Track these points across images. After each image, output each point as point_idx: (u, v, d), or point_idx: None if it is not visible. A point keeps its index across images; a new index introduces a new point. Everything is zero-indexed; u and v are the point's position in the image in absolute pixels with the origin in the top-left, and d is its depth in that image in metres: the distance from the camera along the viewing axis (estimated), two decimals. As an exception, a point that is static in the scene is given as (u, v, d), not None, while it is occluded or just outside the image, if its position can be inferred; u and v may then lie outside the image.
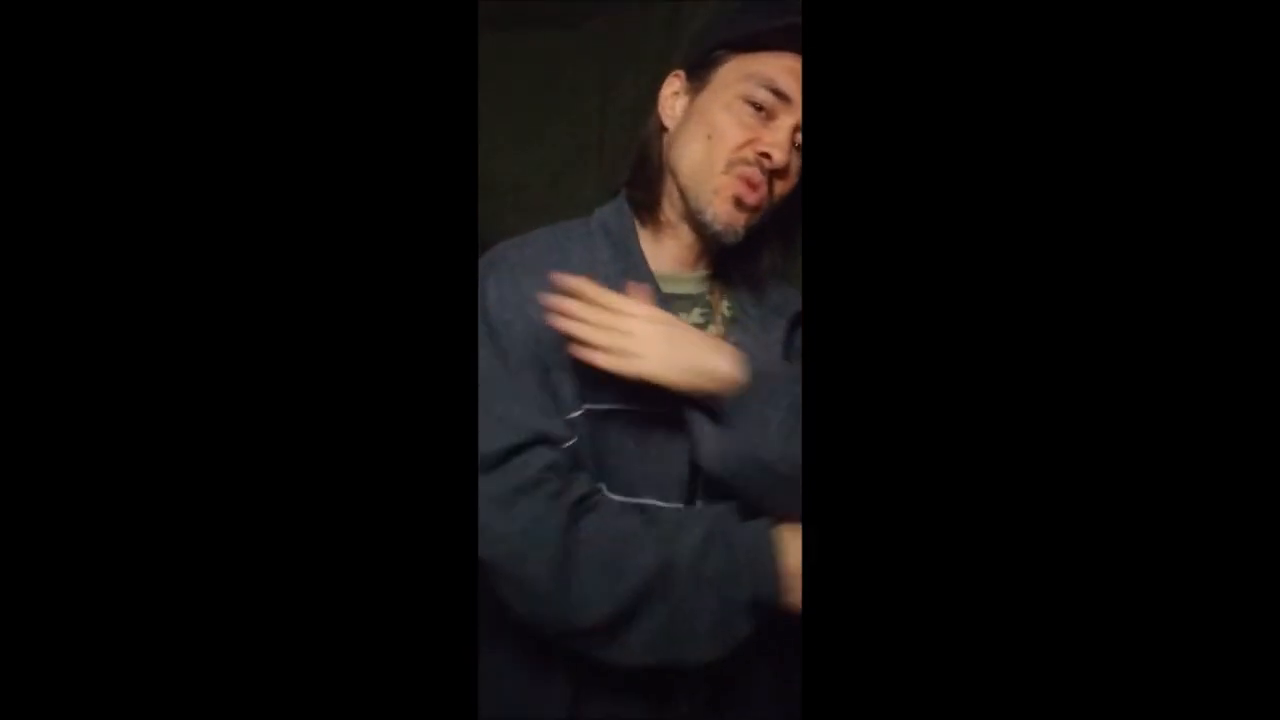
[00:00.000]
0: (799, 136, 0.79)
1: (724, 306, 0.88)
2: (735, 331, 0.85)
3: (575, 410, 0.77)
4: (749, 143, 0.78)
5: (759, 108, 0.78)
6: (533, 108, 1.14)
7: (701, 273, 0.88)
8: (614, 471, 0.77)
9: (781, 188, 0.81)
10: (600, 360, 0.71)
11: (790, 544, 0.72)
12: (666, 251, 0.86)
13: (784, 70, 0.78)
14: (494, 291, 0.78)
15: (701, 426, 0.74)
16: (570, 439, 0.76)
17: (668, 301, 0.83)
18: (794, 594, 0.70)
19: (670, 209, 0.85)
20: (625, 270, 0.82)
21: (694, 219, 0.82)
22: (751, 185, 0.79)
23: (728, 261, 0.88)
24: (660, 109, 0.86)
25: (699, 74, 0.83)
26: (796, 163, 0.81)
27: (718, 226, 0.80)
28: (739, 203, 0.80)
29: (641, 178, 0.86)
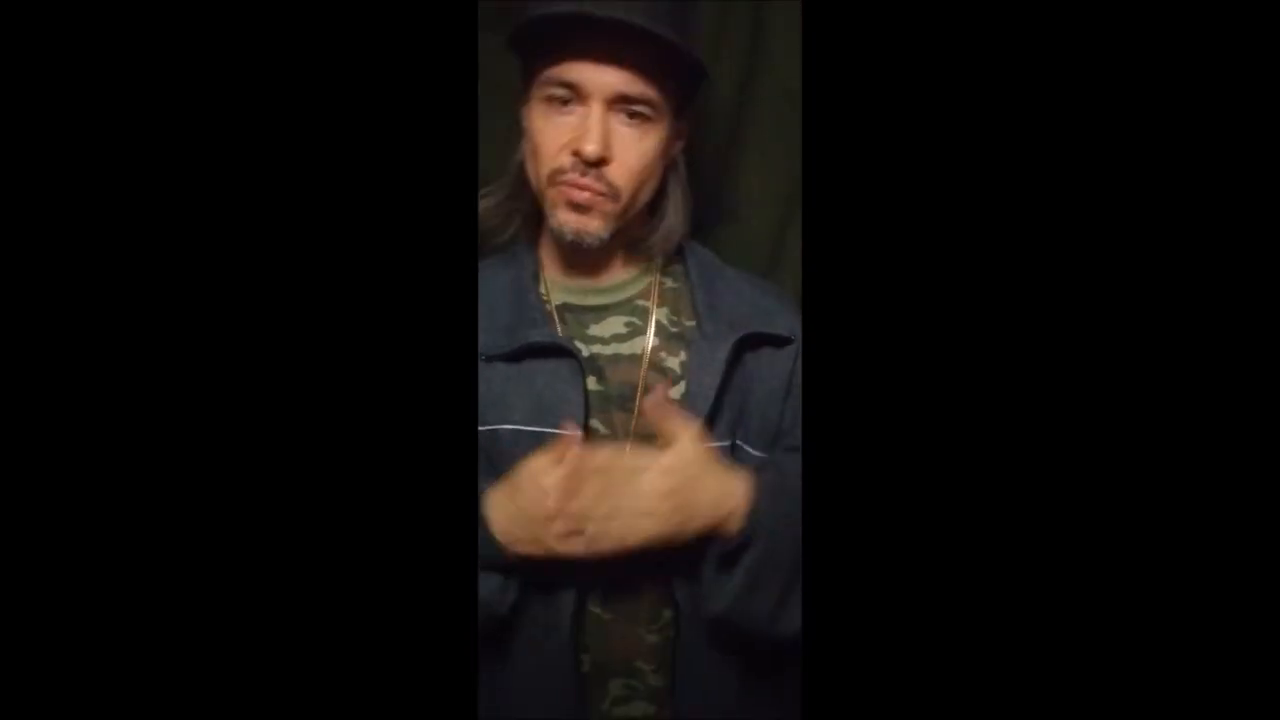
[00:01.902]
0: (610, 117, 0.75)
1: (662, 314, 0.84)
2: (677, 348, 0.82)
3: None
4: (565, 146, 0.76)
5: (564, 103, 0.76)
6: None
7: (621, 278, 0.84)
8: None
9: (618, 168, 0.76)
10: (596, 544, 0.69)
11: (495, 502, 0.71)
12: (570, 267, 0.84)
13: (565, 65, 0.75)
14: None
15: (709, 572, 0.73)
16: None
17: (578, 313, 0.82)
18: (514, 542, 0.70)
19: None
20: (519, 290, 0.81)
21: (553, 232, 0.80)
22: (577, 186, 0.76)
23: (644, 250, 0.85)
24: (517, 116, 0.83)
25: (527, 82, 0.80)
26: (626, 132, 0.76)
27: (570, 236, 0.78)
28: (576, 208, 0.77)
29: (514, 184, 0.84)
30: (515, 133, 0.83)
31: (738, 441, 0.81)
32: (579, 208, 0.77)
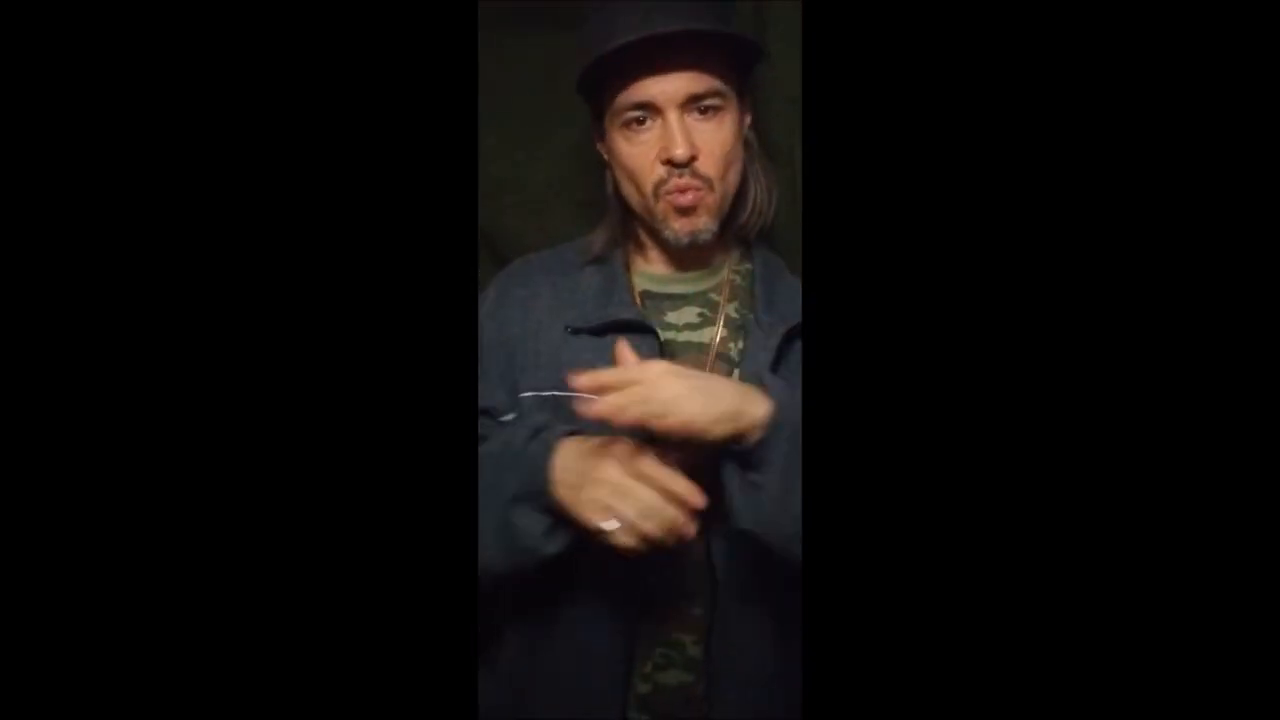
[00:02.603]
0: (686, 118, 0.81)
1: (731, 309, 0.90)
2: (739, 337, 0.88)
3: (520, 393, 0.85)
4: (655, 159, 0.82)
5: (640, 122, 0.82)
6: (533, 108, 1.14)
7: (697, 271, 0.91)
8: None
9: (706, 161, 0.83)
10: (643, 423, 0.71)
11: (567, 448, 0.75)
12: (655, 259, 0.92)
13: (632, 87, 0.81)
14: (491, 293, 0.91)
15: (733, 487, 0.75)
16: (510, 414, 0.85)
17: (657, 301, 0.89)
18: (563, 488, 0.73)
19: (644, 233, 0.91)
20: (610, 278, 0.89)
21: (664, 243, 0.87)
22: (681, 191, 0.82)
23: (742, 232, 0.91)
24: (599, 150, 0.91)
25: (597, 117, 0.88)
26: (704, 127, 0.82)
27: (685, 240, 0.84)
28: (684, 211, 0.83)
29: (614, 213, 0.92)
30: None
31: None
32: (685, 211, 0.83)
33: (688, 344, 0.88)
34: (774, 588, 0.81)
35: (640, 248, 0.93)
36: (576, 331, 0.85)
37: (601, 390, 0.72)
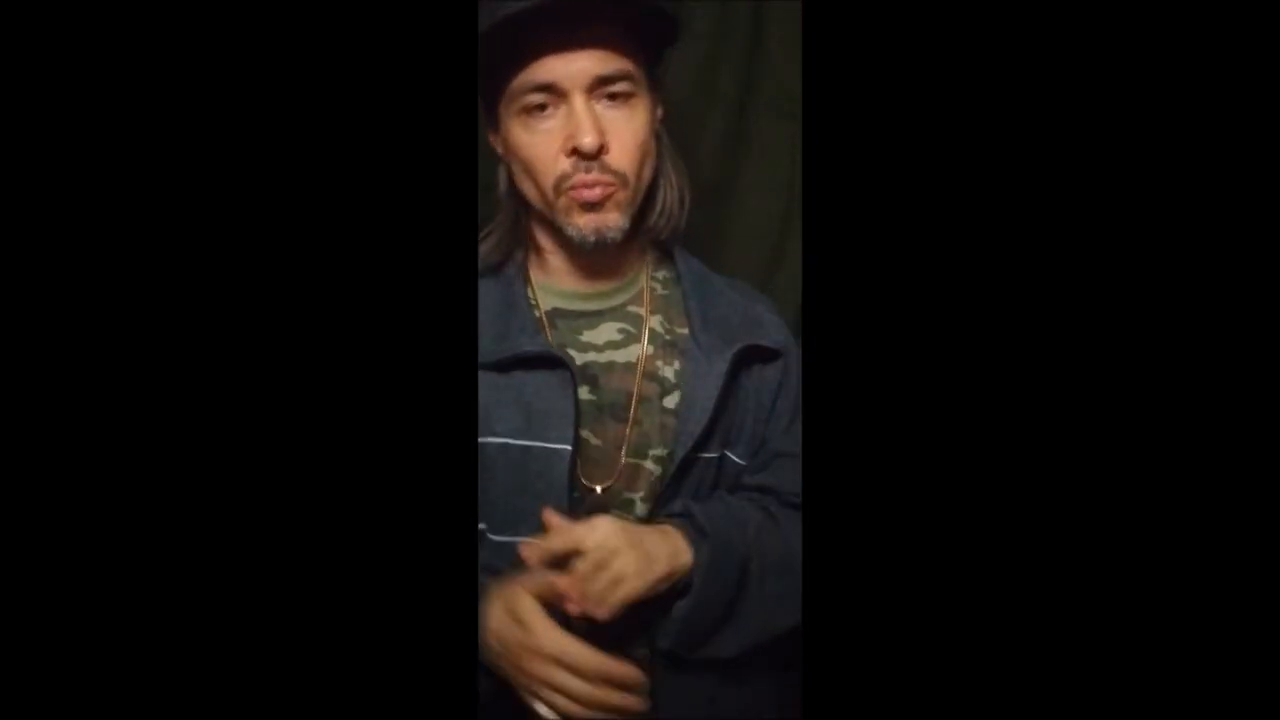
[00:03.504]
0: (594, 105, 0.73)
1: (656, 322, 0.82)
2: (672, 356, 0.81)
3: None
4: (559, 151, 0.73)
5: (541, 108, 0.73)
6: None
7: (610, 282, 0.82)
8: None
9: (618, 153, 0.74)
10: (586, 615, 0.69)
11: (495, 603, 0.69)
12: (558, 269, 0.82)
13: (531, 68, 0.72)
14: None
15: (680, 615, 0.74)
16: None
17: (569, 320, 0.80)
18: (497, 654, 0.68)
19: (543, 236, 0.81)
20: (508, 298, 0.79)
21: (569, 243, 0.78)
22: (586, 185, 0.73)
23: (650, 234, 0.82)
24: (492, 144, 0.81)
25: (489, 105, 0.79)
26: (614, 115, 0.74)
27: (591, 239, 0.75)
28: (590, 207, 0.74)
29: (507, 215, 0.82)
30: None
31: (726, 453, 0.81)
32: (593, 207, 0.74)
33: (611, 364, 0.79)
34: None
35: (539, 254, 0.82)
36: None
37: (548, 560, 0.69)
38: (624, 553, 0.69)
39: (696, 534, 0.74)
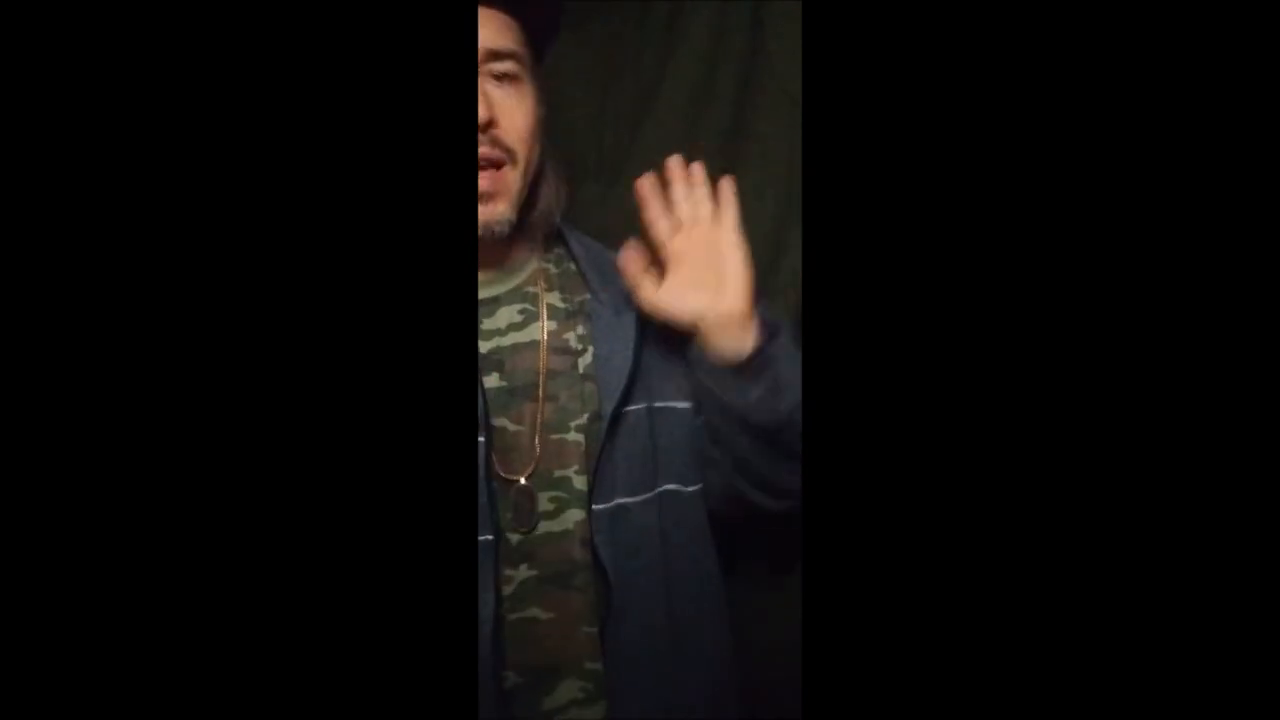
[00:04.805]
0: (484, 79, 0.73)
1: (554, 298, 0.82)
2: (574, 324, 0.81)
3: None
4: None
5: None
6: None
7: (502, 271, 0.82)
8: None
9: (508, 130, 0.75)
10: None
11: None
12: None
13: None
14: None
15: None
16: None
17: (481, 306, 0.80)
18: None
19: None
20: None
21: None
22: (479, 167, 0.73)
23: (528, 232, 0.82)
24: None
25: None
26: (502, 93, 0.75)
27: (480, 230, 0.75)
28: (481, 199, 0.74)
29: None
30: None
31: (654, 404, 0.81)
32: (482, 197, 0.74)
33: (516, 346, 0.80)
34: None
35: None
36: None
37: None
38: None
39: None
